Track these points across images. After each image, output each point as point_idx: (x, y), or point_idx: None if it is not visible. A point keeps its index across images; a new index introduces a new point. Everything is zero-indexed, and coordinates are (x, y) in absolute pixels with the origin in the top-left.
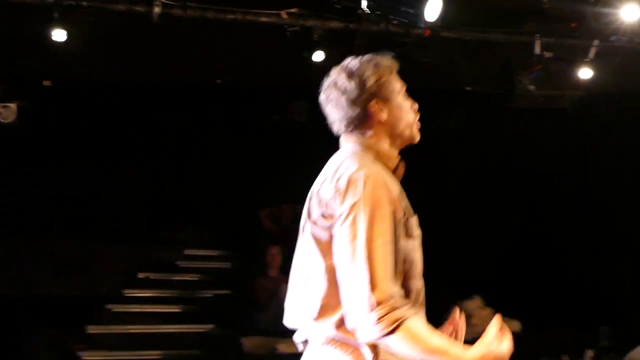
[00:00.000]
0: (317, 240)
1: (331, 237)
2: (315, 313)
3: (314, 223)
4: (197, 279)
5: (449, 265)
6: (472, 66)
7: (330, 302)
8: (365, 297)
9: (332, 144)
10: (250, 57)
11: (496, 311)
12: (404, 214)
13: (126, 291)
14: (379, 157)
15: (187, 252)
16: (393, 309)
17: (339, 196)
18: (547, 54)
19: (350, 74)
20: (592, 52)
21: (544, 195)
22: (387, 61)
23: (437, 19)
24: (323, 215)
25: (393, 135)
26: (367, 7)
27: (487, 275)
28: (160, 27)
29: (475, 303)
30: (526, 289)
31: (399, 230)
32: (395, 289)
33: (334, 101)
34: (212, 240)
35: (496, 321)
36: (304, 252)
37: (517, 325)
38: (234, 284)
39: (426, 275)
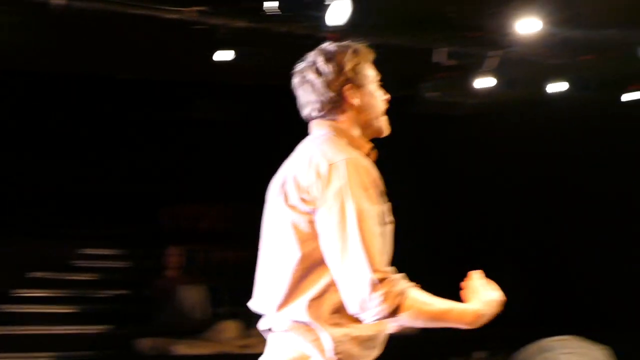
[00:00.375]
0: (295, 226)
1: (311, 222)
2: (283, 299)
3: (292, 207)
4: (92, 278)
5: None
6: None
7: (300, 288)
8: (366, 279)
9: (236, 143)
10: (154, 52)
11: None
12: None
13: (16, 291)
14: (352, 142)
15: (83, 250)
16: (394, 286)
17: (322, 181)
18: (450, 62)
19: (329, 58)
20: (492, 62)
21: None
22: (364, 49)
23: (343, 23)
24: (304, 200)
25: (363, 123)
26: (272, 8)
27: None
28: (63, 19)
29: None
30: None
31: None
32: (390, 268)
33: (309, 83)
34: (108, 238)
35: (477, 275)
36: (276, 236)
37: None
38: (131, 284)
39: None
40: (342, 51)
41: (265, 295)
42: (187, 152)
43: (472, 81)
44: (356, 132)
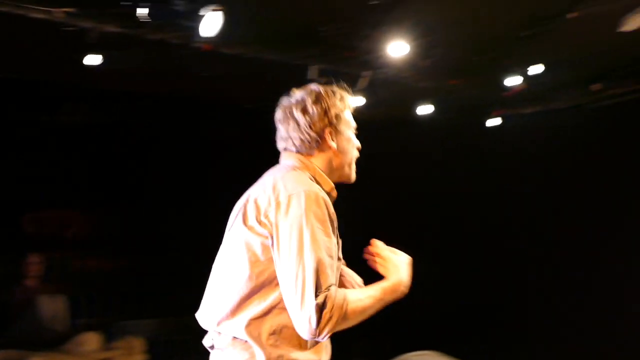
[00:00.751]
0: (248, 246)
1: (264, 245)
2: (225, 315)
3: (250, 229)
4: None
5: None
6: (250, 84)
7: (243, 306)
8: (311, 308)
9: (103, 148)
10: (19, 52)
11: None
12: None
13: None
14: (316, 177)
15: None
16: (335, 299)
17: (280, 209)
18: (322, 80)
19: (317, 100)
20: (363, 82)
21: None
22: (349, 98)
23: (216, 35)
24: (261, 223)
25: (335, 166)
26: (145, 15)
27: None
28: None
29: None
30: None
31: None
32: (326, 284)
33: (295, 120)
34: None
35: (380, 243)
36: (229, 253)
37: None
38: None
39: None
40: (329, 95)
41: (210, 309)
42: (52, 155)
43: None
44: (325, 171)
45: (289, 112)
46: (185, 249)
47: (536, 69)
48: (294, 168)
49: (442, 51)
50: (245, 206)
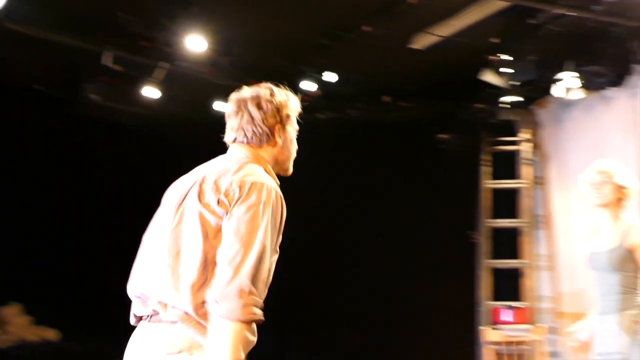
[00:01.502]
0: (204, 223)
1: (218, 225)
2: (176, 290)
3: (206, 206)
4: None
5: None
6: (38, 65)
7: (199, 282)
8: (243, 283)
9: None
10: None
11: (35, 319)
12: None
13: None
14: (267, 171)
15: None
16: (257, 306)
17: (242, 192)
18: (116, 67)
19: (271, 99)
20: (159, 74)
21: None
22: (297, 101)
23: (1, 9)
24: (218, 201)
25: (278, 160)
26: None
27: (27, 281)
28: None
29: (12, 310)
30: (69, 297)
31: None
32: (263, 295)
33: (249, 114)
34: None
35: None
36: (177, 227)
37: (53, 334)
38: None
39: None
40: (282, 96)
41: (153, 281)
42: None
43: (137, 90)
44: (270, 163)
45: (244, 106)
46: None
47: (331, 77)
48: (248, 158)
49: (241, 50)
50: (200, 185)
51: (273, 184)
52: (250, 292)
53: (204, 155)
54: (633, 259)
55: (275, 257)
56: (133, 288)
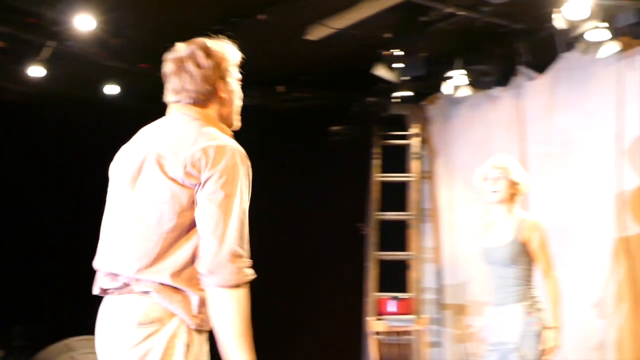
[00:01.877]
0: (174, 197)
1: (190, 196)
2: (147, 262)
3: (173, 180)
4: None
5: None
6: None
7: (168, 254)
8: (232, 249)
9: None
10: None
11: None
12: None
13: None
14: (221, 130)
15: None
16: (248, 267)
17: (209, 161)
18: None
19: (208, 54)
20: (46, 52)
21: None
22: (236, 51)
23: None
24: (189, 174)
25: (223, 115)
26: None
27: None
28: None
29: None
30: None
31: None
32: (249, 254)
33: (188, 73)
34: None
35: None
36: (138, 203)
37: None
38: None
39: None
40: (219, 49)
41: (122, 256)
42: None
43: (21, 68)
44: (218, 121)
45: (181, 65)
46: None
47: None
48: (197, 119)
49: (132, 33)
50: (158, 161)
51: (235, 144)
52: (240, 256)
53: (93, 135)
54: (527, 252)
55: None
56: (102, 265)
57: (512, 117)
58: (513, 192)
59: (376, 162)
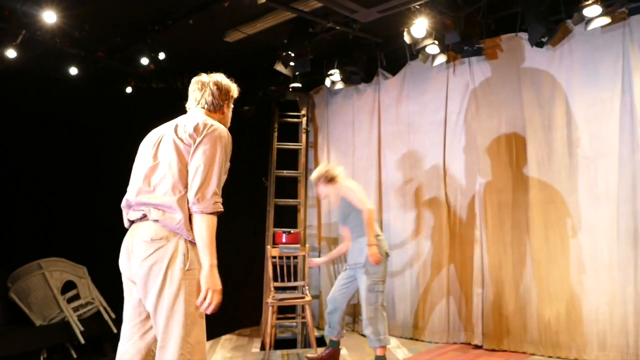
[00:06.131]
0: (178, 150)
1: (187, 150)
2: (161, 194)
3: (180, 139)
4: None
5: None
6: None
7: (173, 188)
8: (213, 188)
9: None
10: None
11: None
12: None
13: None
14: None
15: None
16: (220, 202)
17: (205, 130)
18: None
19: (225, 84)
20: (19, 39)
21: None
22: (237, 90)
23: None
24: (191, 136)
25: (221, 123)
26: None
27: None
28: None
29: None
30: None
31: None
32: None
33: (210, 90)
34: None
35: None
36: (164, 151)
37: None
38: None
39: None
40: (229, 84)
41: (144, 195)
42: None
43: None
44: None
45: (207, 84)
46: None
47: (162, 55)
48: (204, 114)
49: (90, 27)
50: (175, 128)
51: (223, 127)
52: (216, 193)
53: (56, 107)
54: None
55: (225, 177)
56: (130, 201)
57: (373, 105)
58: (332, 178)
59: (275, 134)
